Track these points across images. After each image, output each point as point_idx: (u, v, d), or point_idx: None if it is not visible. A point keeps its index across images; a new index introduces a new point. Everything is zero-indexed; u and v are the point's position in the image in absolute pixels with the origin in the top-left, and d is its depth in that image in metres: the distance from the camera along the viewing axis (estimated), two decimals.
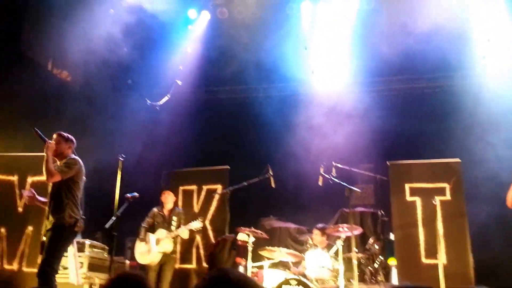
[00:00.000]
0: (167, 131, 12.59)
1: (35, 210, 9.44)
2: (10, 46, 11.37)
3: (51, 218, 7.19)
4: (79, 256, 9.45)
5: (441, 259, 9.02)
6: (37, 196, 7.69)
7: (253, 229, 9.26)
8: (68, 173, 7.30)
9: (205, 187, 11.17)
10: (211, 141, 13.29)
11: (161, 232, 9.83)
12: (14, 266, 9.83)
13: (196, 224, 9.75)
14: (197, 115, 13.70)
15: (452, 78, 13.06)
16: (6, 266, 9.91)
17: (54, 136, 7.45)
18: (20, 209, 10.13)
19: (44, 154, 7.12)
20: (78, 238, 10.13)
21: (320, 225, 9.84)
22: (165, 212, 10.10)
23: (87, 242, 9.84)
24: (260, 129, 12.06)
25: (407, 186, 10.34)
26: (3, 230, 10.13)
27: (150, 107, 12.50)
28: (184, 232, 9.80)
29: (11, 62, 11.09)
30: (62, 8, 11.48)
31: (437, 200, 9.25)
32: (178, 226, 9.88)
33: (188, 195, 11.24)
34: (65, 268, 9.02)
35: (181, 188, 11.30)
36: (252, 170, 9.60)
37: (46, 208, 7.40)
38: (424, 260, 9.87)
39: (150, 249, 9.72)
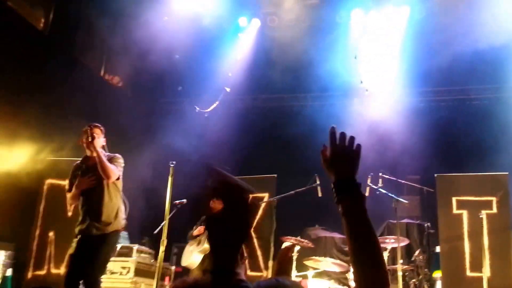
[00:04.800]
0: (215, 139, 12.66)
1: None
2: (64, 52, 11.62)
3: (103, 222, 6.85)
4: (126, 261, 9.64)
5: (486, 272, 8.96)
6: None
7: (298, 238, 9.26)
8: (121, 172, 7.11)
9: (251, 195, 11.19)
10: (259, 149, 13.35)
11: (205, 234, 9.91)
12: (61, 271, 9.89)
13: None
14: (246, 123, 13.75)
15: (501, 89, 12.88)
16: (53, 270, 10.06)
17: (96, 129, 7.05)
18: (69, 214, 10.00)
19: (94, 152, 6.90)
20: (127, 243, 10.32)
21: None
22: None
23: (135, 247, 9.85)
24: (308, 137, 12.04)
25: (454, 199, 10.26)
26: (51, 234, 10.25)
27: (199, 114, 12.61)
28: None
29: (65, 68, 11.29)
30: (115, 14, 11.68)
31: (483, 214, 9.20)
32: None
33: None
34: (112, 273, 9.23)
35: None
36: (300, 179, 9.61)
37: (81, 210, 7.01)
38: (469, 273, 9.80)
39: (191, 251, 9.82)
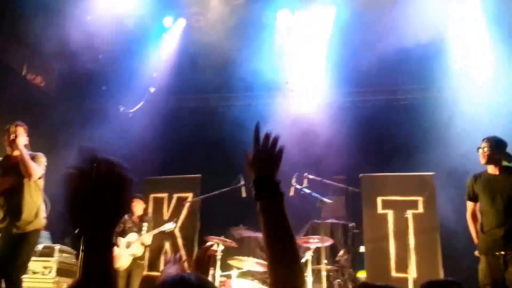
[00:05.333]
0: (139, 139, 12.50)
1: None
2: None
3: (23, 220, 6.89)
4: (48, 261, 9.48)
5: (412, 273, 8.95)
6: None
7: (222, 238, 9.21)
8: (43, 170, 7.12)
9: (176, 195, 11.14)
10: (183, 149, 13.24)
11: (132, 236, 9.91)
12: None
13: (169, 226, 9.97)
14: (170, 123, 13.61)
15: (428, 89, 13.03)
16: None
17: (19, 127, 7.07)
18: None
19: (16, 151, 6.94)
20: (48, 243, 10.11)
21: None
22: (135, 218, 10.15)
23: (57, 247, 9.76)
24: (233, 137, 11.98)
25: (379, 199, 10.29)
26: None
27: (123, 114, 12.46)
28: (147, 238, 9.92)
29: None
30: (37, 12, 11.39)
31: (409, 213, 9.21)
32: (148, 232, 9.95)
33: (158, 202, 11.21)
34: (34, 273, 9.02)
35: (151, 195, 11.25)
36: (224, 179, 9.54)
37: (1, 209, 7.00)
38: (394, 273, 9.81)
39: (120, 253, 9.74)
